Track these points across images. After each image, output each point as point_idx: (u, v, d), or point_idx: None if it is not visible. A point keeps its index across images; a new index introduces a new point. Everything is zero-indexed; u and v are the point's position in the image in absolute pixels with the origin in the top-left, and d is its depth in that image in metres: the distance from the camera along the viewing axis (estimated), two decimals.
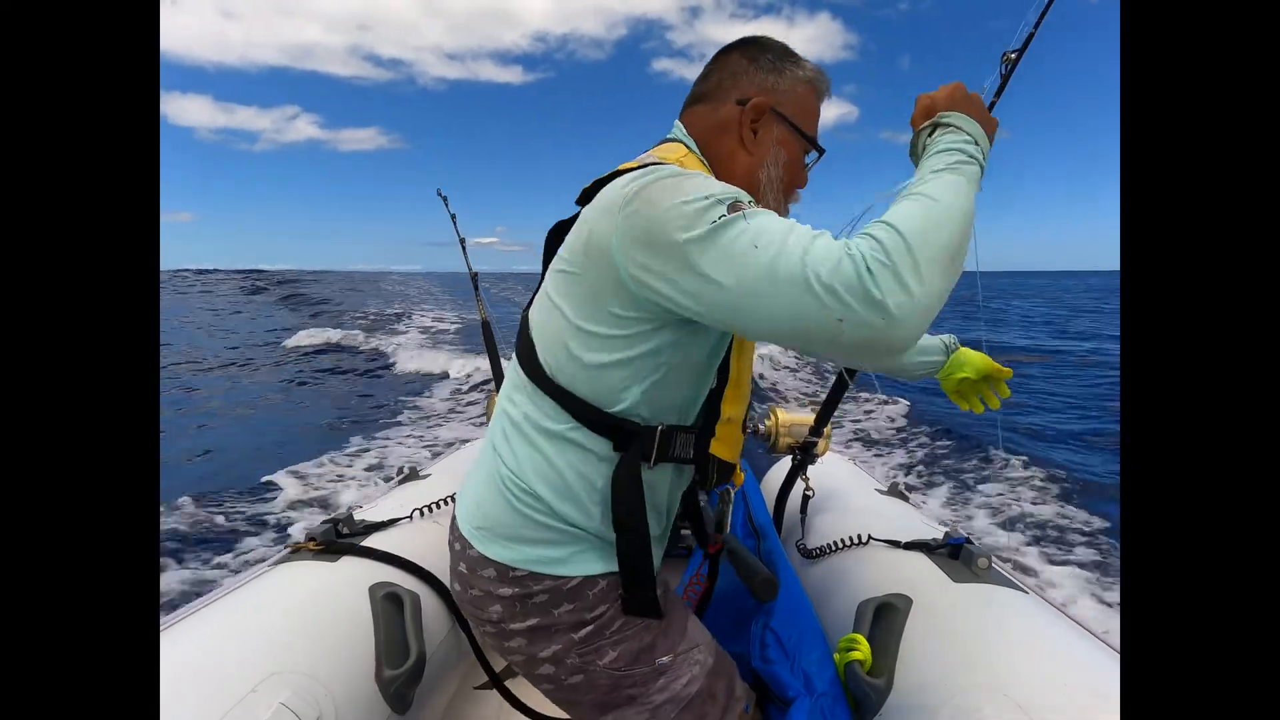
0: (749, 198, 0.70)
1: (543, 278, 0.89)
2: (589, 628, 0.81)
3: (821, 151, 0.92)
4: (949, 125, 0.74)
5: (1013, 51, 1.23)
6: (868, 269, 0.58)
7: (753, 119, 0.86)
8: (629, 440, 0.79)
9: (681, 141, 0.89)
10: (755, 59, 0.88)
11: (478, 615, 0.86)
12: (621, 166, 0.81)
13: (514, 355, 0.88)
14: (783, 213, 0.81)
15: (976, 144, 0.73)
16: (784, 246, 0.61)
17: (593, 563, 0.81)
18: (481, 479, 0.86)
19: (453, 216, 2.36)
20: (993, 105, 1.25)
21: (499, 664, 1.55)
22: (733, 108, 0.87)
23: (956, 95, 0.76)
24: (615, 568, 0.82)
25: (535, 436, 0.81)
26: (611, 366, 0.76)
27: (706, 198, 0.66)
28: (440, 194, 2.38)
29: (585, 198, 0.81)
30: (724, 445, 0.87)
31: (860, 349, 0.60)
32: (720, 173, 0.87)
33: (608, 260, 0.72)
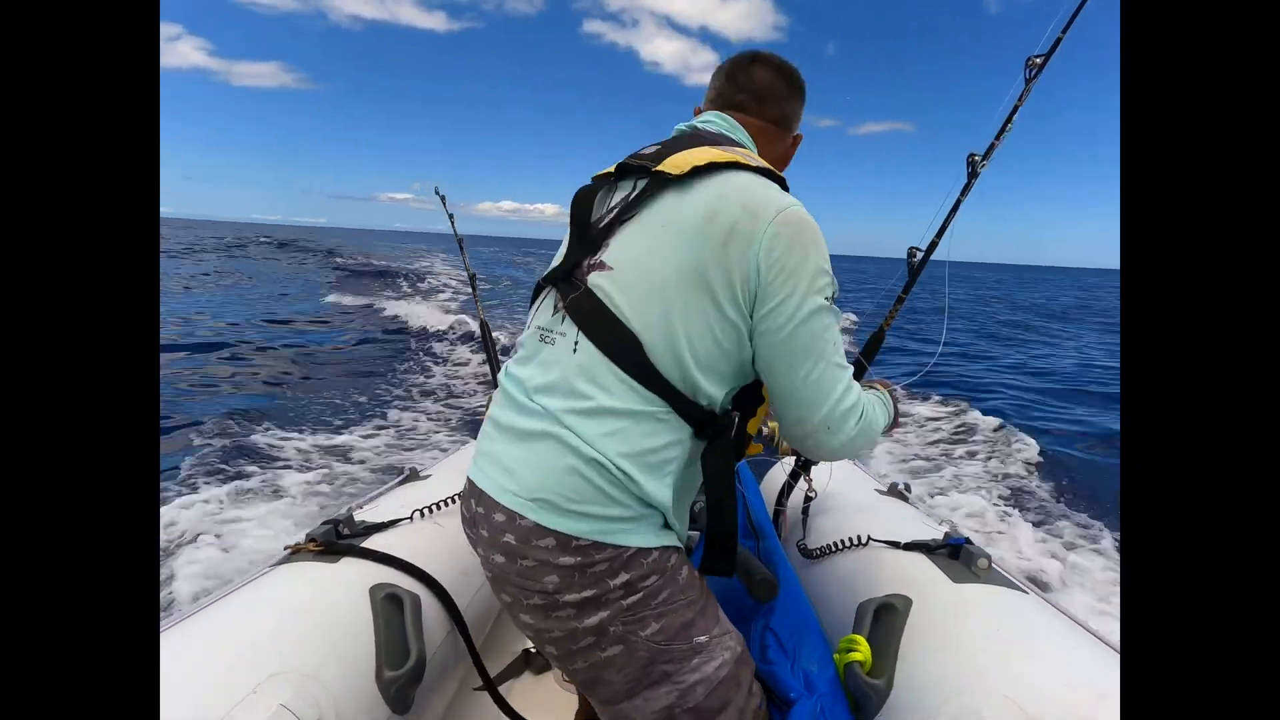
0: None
1: (573, 246, 0.93)
2: (637, 596, 0.84)
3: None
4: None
5: (1038, 56, 1.23)
6: (849, 427, 0.88)
7: (794, 146, 1.12)
8: (712, 427, 0.87)
9: (748, 147, 1.01)
10: (793, 89, 1.08)
11: (526, 587, 0.85)
12: (719, 155, 0.89)
13: (579, 334, 0.86)
14: None
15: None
16: (840, 359, 0.88)
17: (649, 535, 0.85)
18: (536, 455, 0.85)
19: (450, 216, 2.34)
20: (1016, 107, 1.26)
21: (504, 661, 1.55)
22: (790, 140, 1.11)
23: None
24: (669, 542, 0.88)
25: (622, 417, 0.83)
26: (714, 354, 0.85)
27: (829, 272, 0.87)
28: (438, 192, 2.35)
29: (641, 163, 0.91)
30: (753, 424, 0.98)
31: (808, 447, 0.92)
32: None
33: (734, 247, 0.83)
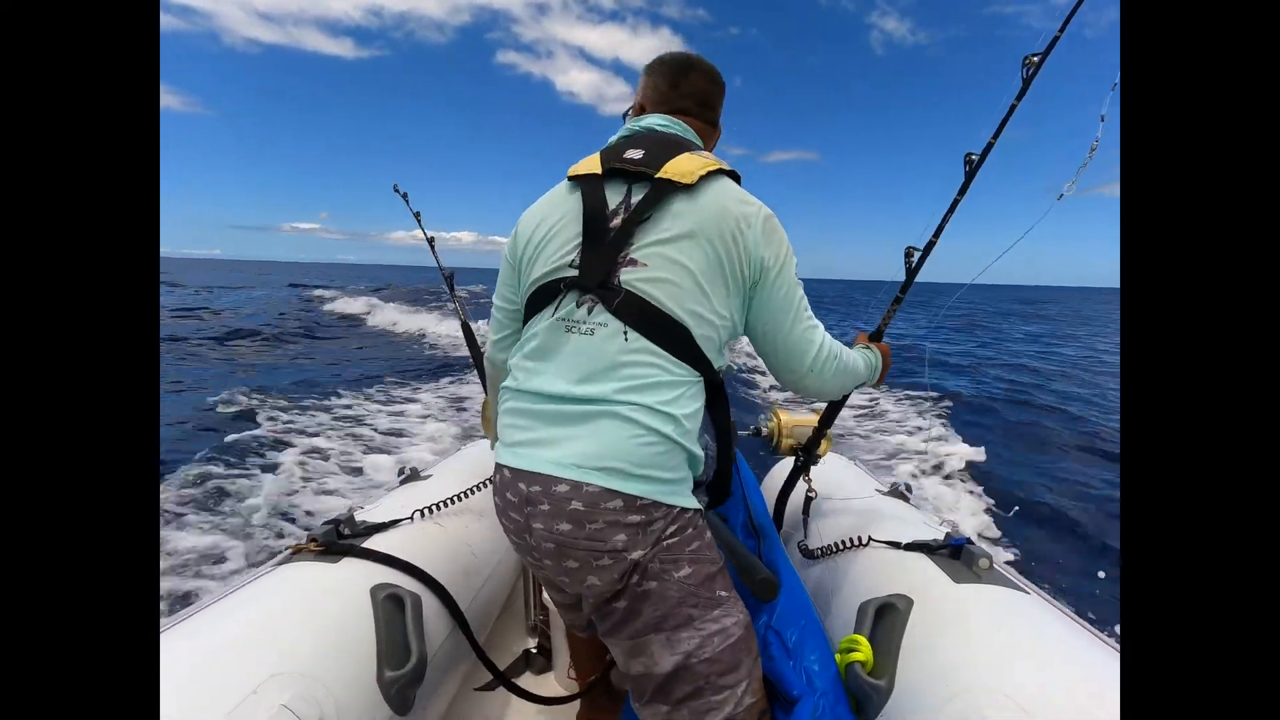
0: None
1: (589, 243, 1.02)
2: (674, 540, 0.96)
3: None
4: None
5: (1035, 55, 1.23)
6: (827, 366, 1.12)
7: (716, 139, 1.24)
8: (713, 387, 1.03)
9: (701, 149, 1.12)
10: (720, 93, 1.23)
11: (595, 549, 0.94)
12: (710, 163, 1.02)
13: (624, 325, 0.97)
14: None
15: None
16: (813, 318, 1.10)
17: (692, 496, 1.00)
18: (597, 431, 0.95)
19: (416, 215, 2.25)
20: (1014, 107, 1.26)
21: (506, 661, 1.55)
22: (714, 133, 1.23)
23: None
24: (698, 503, 1.02)
25: (679, 390, 0.97)
26: (724, 330, 1.01)
27: (793, 253, 1.06)
28: (398, 190, 2.25)
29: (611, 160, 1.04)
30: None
31: (804, 387, 1.14)
32: None
33: (739, 243, 0.98)
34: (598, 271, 0.98)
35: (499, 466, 1.03)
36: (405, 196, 2.22)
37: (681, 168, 0.99)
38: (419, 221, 2.29)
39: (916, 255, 1.39)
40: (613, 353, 0.95)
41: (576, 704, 1.57)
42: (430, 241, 2.31)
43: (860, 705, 1.01)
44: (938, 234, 1.36)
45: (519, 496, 0.98)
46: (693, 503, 0.99)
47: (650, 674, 0.95)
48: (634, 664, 0.97)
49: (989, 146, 1.29)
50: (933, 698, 0.91)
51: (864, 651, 1.04)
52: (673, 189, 0.99)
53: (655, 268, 0.96)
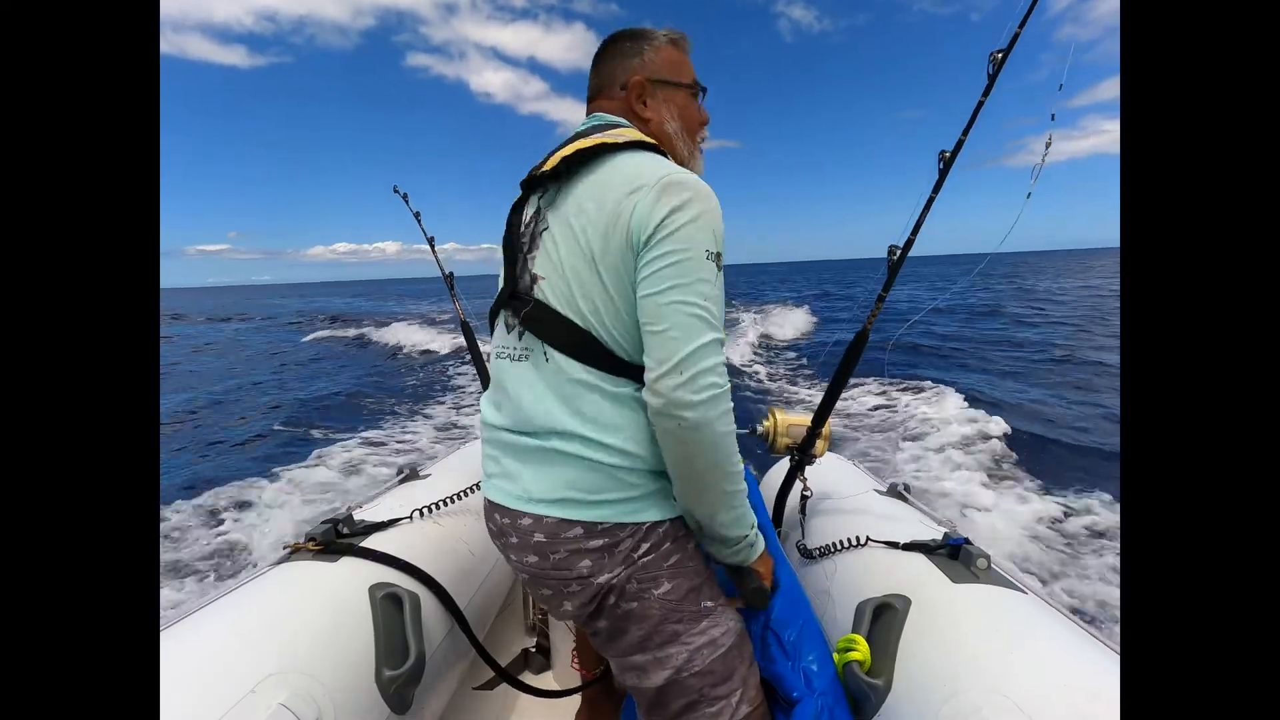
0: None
1: (508, 265, 0.99)
2: (650, 557, 0.92)
3: (704, 89, 1.11)
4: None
5: (999, 51, 1.24)
6: (705, 386, 0.83)
7: (637, 95, 1.05)
8: None
9: (621, 126, 1.02)
10: (619, 51, 1.06)
11: (563, 577, 0.93)
12: (584, 143, 0.93)
13: (544, 345, 0.93)
14: (695, 151, 1.09)
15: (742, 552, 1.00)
16: (710, 316, 0.86)
17: (664, 507, 0.94)
18: (548, 466, 0.93)
19: (416, 215, 2.25)
20: (981, 103, 1.27)
21: (505, 661, 1.55)
22: (620, 95, 1.06)
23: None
24: (676, 512, 0.95)
25: (615, 404, 0.90)
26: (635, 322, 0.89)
27: (707, 227, 0.86)
28: (398, 191, 2.25)
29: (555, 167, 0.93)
30: None
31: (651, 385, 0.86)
32: (661, 145, 1.02)
33: (626, 215, 0.86)
34: (509, 286, 0.97)
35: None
36: (405, 197, 2.24)
37: (566, 153, 0.93)
38: (419, 222, 2.29)
39: (898, 253, 1.40)
40: (544, 379, 0.93)
41: (576, 704, 1.57)
42: (431, 242, 2.32)
43: (858, 705, 1.01)
44: (915, 231, 1.38)
45: (496, 526, 1.01)
46: (664, 513, 0.94)
47: (642, 688, 0.95)
48: (627, 677, 0.97)
49: (959, 144, 1.30)
50: (930, 697, 0.91)
51: (862, 651, 1.04)
52: (564, 181, 0.93)
53: (550, 276, 0.92)
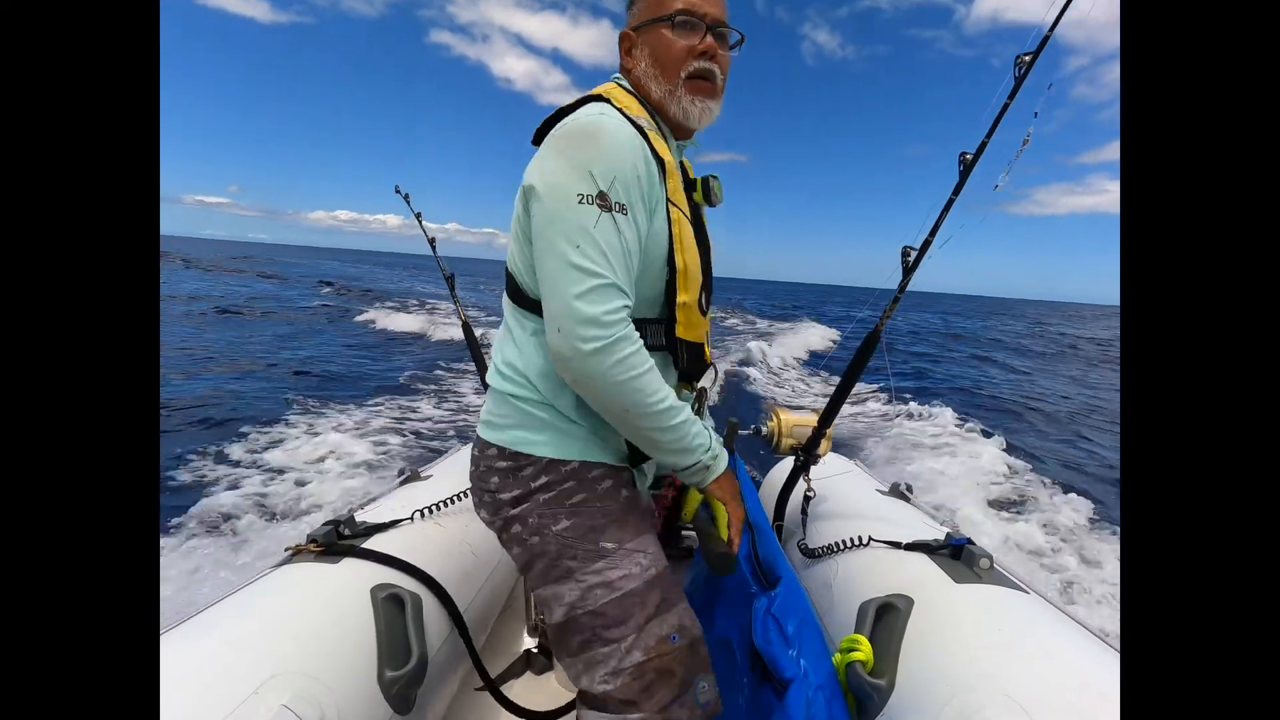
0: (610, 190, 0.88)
1: None
2: (552, 494, 0.98)
3: (698, 17, 1.01)
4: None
5: (1027, 55, 1.23)
6: (586, 338, 0.83)
7: (625, 50, 1.07)
8: None
9: (615, 81, 1.06)
10: (626, 14, 1.09)
11: (480, 488, 1.04)
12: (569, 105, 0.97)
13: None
14: (677, 88, 1.01)
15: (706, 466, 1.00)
16: (591, 264, 0.84)
17: (569, 447, 0.98)
18: (491, 390, 1.06)
19: (417, 215, 2.25)
20: (1006, 106, 1.27)
21: (506, 661, 1.55)
22: (651, 40, 1.03)
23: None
24: (594, 457, 0.99)
25: (523, 338, 1.00)
26: None
27: (591, 174, 0.85)
28: (399, 191, 2.23)
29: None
30: (687, 328, 1.00)
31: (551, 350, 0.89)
32: (639, 93, 1.05)
33: (533, 166, 0.92)
34: None
35: None
36: (407, 198, 2.24)
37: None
38: (420, 222, 2.29)
39: (914, 255, 1.39)
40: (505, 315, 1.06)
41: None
42: (432, 243, 2.32)
43: (861, 705, 1.01)
44: (933, 233, 1.36)
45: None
46: (575, 453, 0.97)
47: (551, 625, 0.99)
48: (544, 613, 1.02)
49: (982, 146, 1.30)
50: (933, 697, 0.91)
51: (864, 651, 1.04)
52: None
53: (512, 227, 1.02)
